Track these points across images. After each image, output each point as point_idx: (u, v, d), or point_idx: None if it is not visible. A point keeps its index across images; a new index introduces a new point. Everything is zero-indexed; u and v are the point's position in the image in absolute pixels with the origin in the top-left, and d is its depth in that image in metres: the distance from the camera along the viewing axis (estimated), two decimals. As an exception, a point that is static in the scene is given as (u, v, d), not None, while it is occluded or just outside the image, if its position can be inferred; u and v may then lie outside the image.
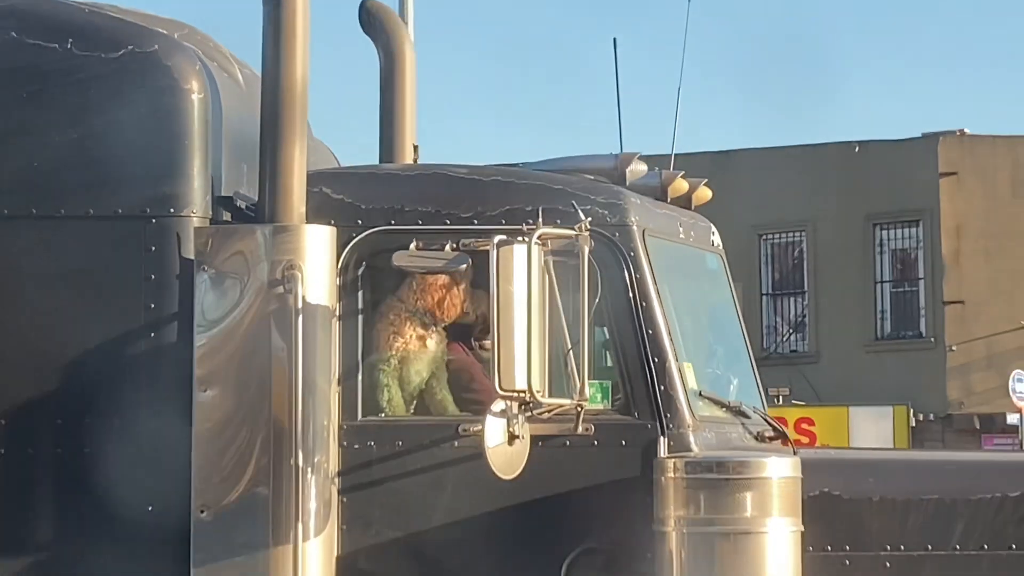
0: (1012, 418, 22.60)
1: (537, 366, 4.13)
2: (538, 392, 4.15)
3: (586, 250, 4.30)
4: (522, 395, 4.17)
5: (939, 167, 26.34)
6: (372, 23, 5.70)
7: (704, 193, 5.41)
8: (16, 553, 4.57)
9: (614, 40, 6.07)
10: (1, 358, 4.61)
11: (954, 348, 26.34)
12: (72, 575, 4.55)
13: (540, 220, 4.36)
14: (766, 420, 5.42)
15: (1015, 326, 23.09)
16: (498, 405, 4.20)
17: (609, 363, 4.81)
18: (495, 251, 4.15)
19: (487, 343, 4.78)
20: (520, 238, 4.25)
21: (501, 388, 4.16)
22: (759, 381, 5.56)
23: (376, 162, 5.82)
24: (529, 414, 4.24)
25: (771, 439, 5.21)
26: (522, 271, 4.15)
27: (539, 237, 4.18)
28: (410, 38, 6.23)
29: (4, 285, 4.64)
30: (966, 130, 27.23)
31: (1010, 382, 22.74)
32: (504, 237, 4.27)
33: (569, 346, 4.46)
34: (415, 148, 6.13)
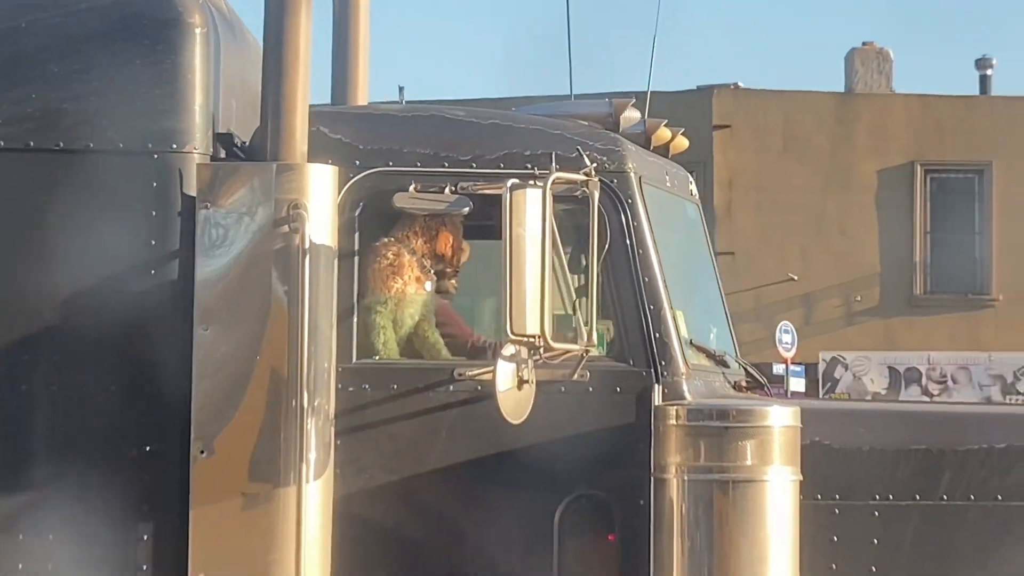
0: (778, 368, 22.96)
1: (548, 311, 4.10)
2: (550, 337, 4.12)
3: (596, 195, 4.29)
4: (533, 339, 4.12)
5: (713, 119, 26.23)
6: None
7: (681, 142, 5.40)
8: (12, 490, 4.46)
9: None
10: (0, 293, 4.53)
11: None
12: (69, 512, 4.40)
13: (553, 164, 4.31)
14: (746, 370, 5.51)
15: (783, 278, 23.49)
16: (509, 349, 4.16)
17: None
18: (508, 194, 4.08)
19: (450, 287, 4.87)
20: (532, 182, 4.18)
21: (513, 332, 4.10)
22: (733, 330, 5.59)
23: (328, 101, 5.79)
24: (538, 358, 4.17)
25: (748, 388, 5.30)
26: (535, 215, 4.10)
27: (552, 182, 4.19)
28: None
29: (2, 219, 4.52)
30: (740, 83, 27.40)
31: (777, 333, 23.44)
32: (517, 181, 4.18)
33: (574, 292, 4.54)
34: (400, 89, 5.91)
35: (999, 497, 4.90)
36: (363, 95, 6.13)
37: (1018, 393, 25.29)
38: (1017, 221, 25.37)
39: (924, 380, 25.62)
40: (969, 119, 26.87)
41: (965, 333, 26.17)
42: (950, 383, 25.49)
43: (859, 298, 26.12)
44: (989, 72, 29.26)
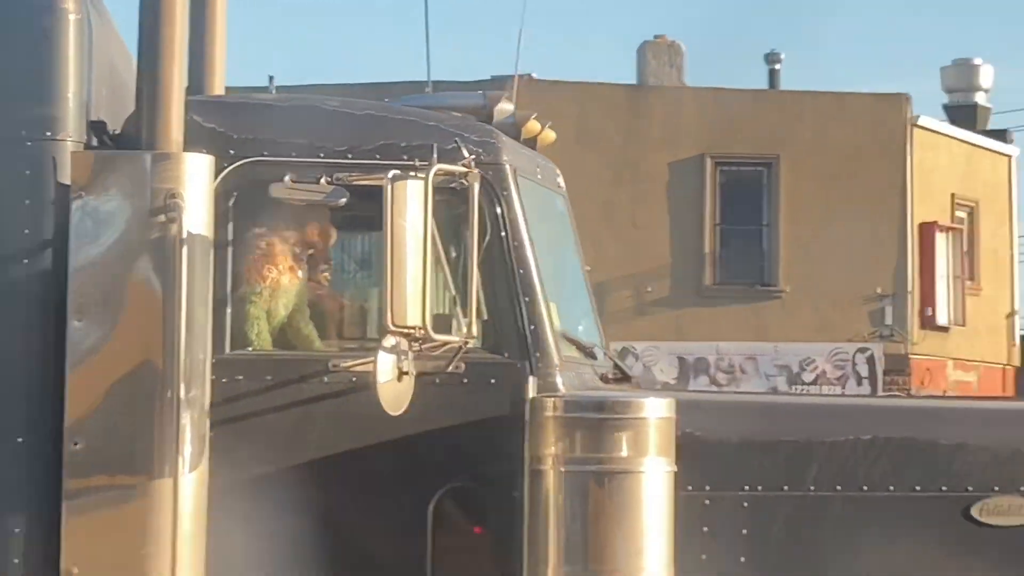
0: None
1: (429, 302, 4.13)
2: (431, 328, 4.16)
3: (476, 187, 4.30)
4: (414, 331, 4.14)
5: (507, 110, 26.51)
6: None
7: (549, 135, 5.47)
8: None
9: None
10: None
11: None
12: None
13: (435, 156, 4.31)
14: (615, 362, 5.63)
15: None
16: (389, 341, 4.15)
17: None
18: (389, 186, 4.09)
19: (323, 279, 4.87)
20: (414, 173, 4.19)
21: (394, 324, 4.11)
22: (599, 323, 5.66)
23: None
24: (418, 350, 4.20)
25: (615, 380, 5.36)
26: (416, 207, 4.12)
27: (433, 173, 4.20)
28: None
29: None
30: (534, 75, 26.86)
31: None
32: (398, 172, 4.19)
33: (452, 284, 4.53)
34: (270, 78, 6.01)
35: (865, 487, 5.01)
36: (220, 83, 5.95)
37: (803, 383, 25.81)
38: (803, 213, 26.10)
39: (713, 370, 26.19)
40: (758, 113, 27.05)
41: (753, 324, 26.59)
42: (738, 373, 25.97)
43: (650, 289, 26.42)
44: (778, 67, 29.81)
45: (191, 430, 4.25)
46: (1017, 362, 29.24)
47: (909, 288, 26.11)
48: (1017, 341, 29.32)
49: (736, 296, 27.38)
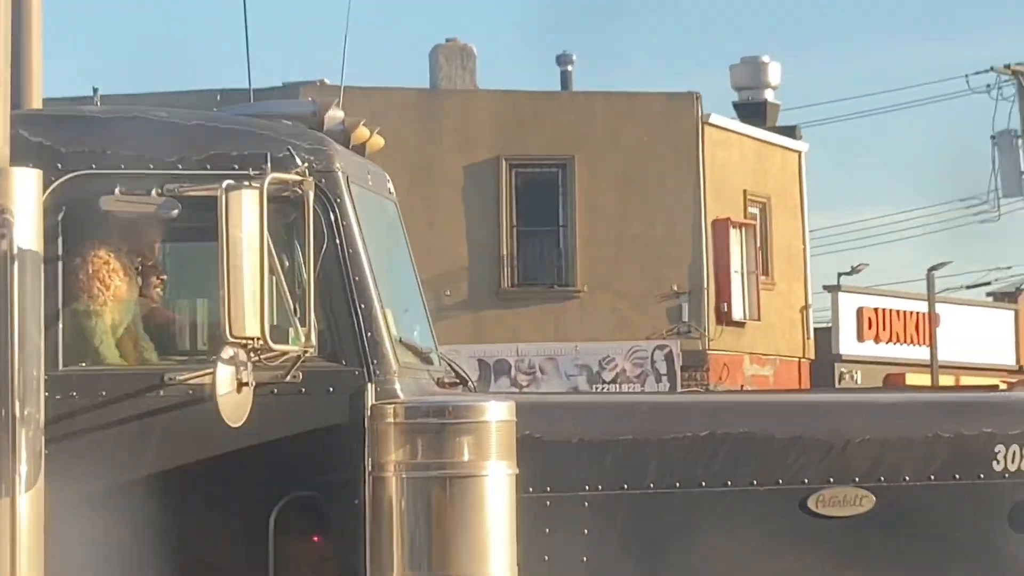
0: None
1: (267, 313, 4.16)
2: (269, 338, 4.18)
3: (310, 195, 4.37)
4: (252, 342, 4.17)
5: (306, 116, 26.56)
6: None
7: (378, 141, 5.52)
8: None
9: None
10: None
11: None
12: None
13: (268, 165, 4.36)
14: (451, 366, 5.70)
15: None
16: (227, 352, 4.14)
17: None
18: (224, 196, 4.11)
19: (155, 295, 4.81)
20: (248, 183, 4.23)
21: (232, 335, 4.13)
22: (432, 328, 5.74)
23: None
24: (256, 360, 4.19)
25: (450, 384, 5.43)
26: (251, 216, 4.15)
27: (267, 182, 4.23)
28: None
29: None
30: (326, 80, 26.34)
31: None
32: (232, 182, 4.20)
33: (288, 292, 4.47)
34: (95, 90, 5.81)
35: (703, 483, 5.09)
36: (38, 95, 5.70)
37: (604, 382, 26.54)
38: (598, 213, 26.82)
39: (513, 372, 26.75)
40: (551, 115, 27.55)
41: (552, 324, 27.00)
42: (539, 374, 26.57)
43: (448, 292, 26.54)
44: (570, 68, 30.19)
45: (27, 448, 4.15)
46: (812, 355, 30.04)
47: (704, 284, 26.70)
48: (811, 334, 30.08)
49: (534, 297, 27.88)
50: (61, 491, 4.23)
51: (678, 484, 4.97)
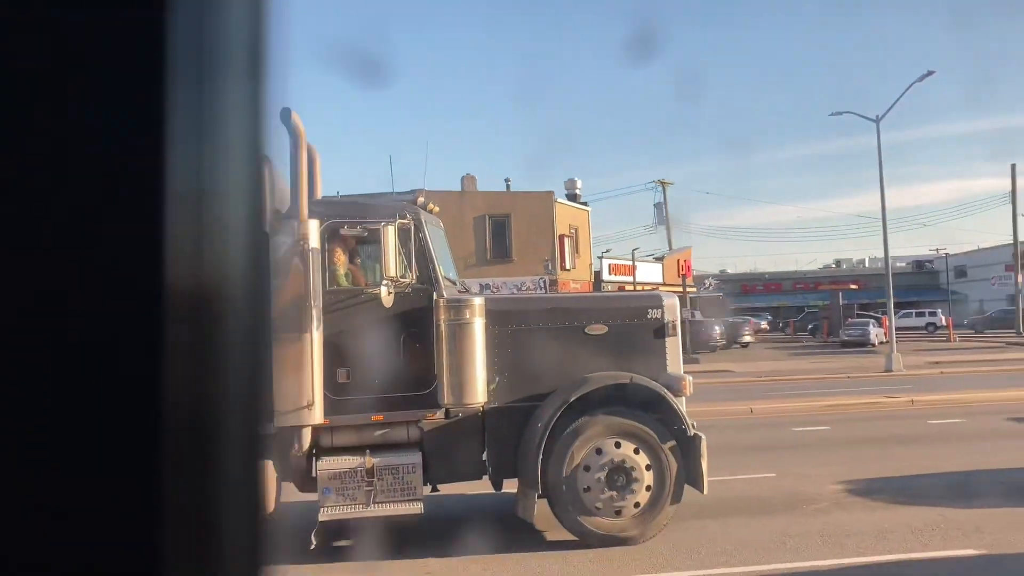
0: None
1: (398, 267, 8.68)
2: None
3: (412, 227, 8.40)
4: (396, 279, 8.19)
5: None
6: None
7: (436, 209, 9.45)
8: None
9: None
10: None
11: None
12: None
13: (397, 216, 8.39)
14: (464, 286, 9.71)
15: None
16: (386, 282, 8.11)
17: None
18: (383, 228, 8.08)
19: (357, 263, 8.84)
20: (391, 222, 8.27)
21: (387, 276, 8.17)
22: (457, 273, 9.46)
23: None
24: (396, 282, 8.23)
25: (463, 291, 9.14)
26: (391, 235, 8.22)
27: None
28: None
29: None
30: (424, 187, 31.60)
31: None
32: (384, 222, 8.13)
33: (407, 262, 8.56)
34: (337, 192, 9.44)
35: (542, 324, 9.06)
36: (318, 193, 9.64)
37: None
38: (523, 241, 43.58)
39: (482, 290, 31.62)
40: (514, 197, 46.27)
41: (502, 274, 41.86)
42: (493, 290, 33.21)
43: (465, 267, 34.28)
44: (509, 181, 47.89)
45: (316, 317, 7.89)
46: (592, 281, 50.92)
47: (555, 256, 46.01)
48: (592, 276, 51.81)
49: (496, 267, 43.27)
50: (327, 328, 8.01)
51: (542, 324, 9.05)
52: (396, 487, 8.09)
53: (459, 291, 9.06)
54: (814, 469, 12.82)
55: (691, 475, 9.00)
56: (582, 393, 8.55)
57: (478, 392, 8.20)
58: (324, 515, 8.14)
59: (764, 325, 72.57)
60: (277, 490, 8.20)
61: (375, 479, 8.06)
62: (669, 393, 8.85)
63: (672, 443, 8.89)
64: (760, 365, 37.33)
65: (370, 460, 8.06)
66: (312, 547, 8.16)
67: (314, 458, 8.47)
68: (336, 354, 8.23)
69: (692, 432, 8.94)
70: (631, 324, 9.15)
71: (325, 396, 8.08)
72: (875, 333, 50.72)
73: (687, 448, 8.93)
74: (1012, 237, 61.69)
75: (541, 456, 8.40)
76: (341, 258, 8.65)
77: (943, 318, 66.85)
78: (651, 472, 8.82)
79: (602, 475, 8.69)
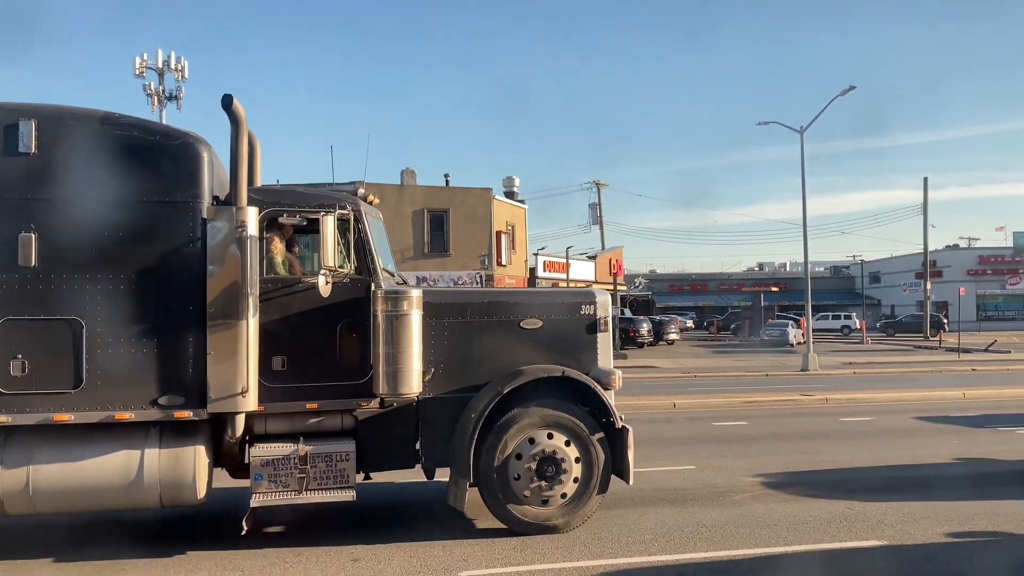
0: None
1: (336, 258, 8.35)
2: None
3: (353, 217, 8.39)
4: (333, 269, 8.01)
5: None
6: None
7: (376, 200, 9.30)
8: None
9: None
10: None
11: None
12: None
13: (337, 206, 8.33)
14: (401, 278, 9.40)
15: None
16: (325, 272, 7.95)
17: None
18: (323, 217, 7.96)
19: (295, 251, 8.72)
20: (330, 212, 8.11)
21: (326, 266, 7.99)
22: (395, 265, 9.17)
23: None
24: (334, 273, 8.03)
25: (401, 283, 8.94)
26: (331, 225, 8.04)
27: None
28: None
29: None
30: (363, 180, 29.73)
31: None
32: (324, 212, 8.03)
33: (345, 252, 8.27)
34: (277, 180, 9.39)
35: (486, 317, 8.94)
36: (258, 181, 9.65)
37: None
38: (460, 233, 44.81)
39: (419, 283, 32.22)
40: (452, 192, 46.52)
41: (437, 267, 42.33)
42: (429, 283, 33.06)
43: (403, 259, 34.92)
44: (448, 176, 47.70)
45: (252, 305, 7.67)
46: (528, 277, 51.66)
47: (492, 252, 45.97)
48: (528, 272, 52.67)
49: (435, 261, 44.28)
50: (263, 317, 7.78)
51: (478, 318, 8.94)
52: (329, 474, 7.96)
53: (397, 283, 8.83)
54: (732, 462, 13.09)
55: (618, 466, 9.06)
56: (516, 385, 8.49)
57: (413, 383, 8.06)
58: (256, 501, 8.03)
59: (689, 324, 73.52)
60: (209, 476, 7.90)
61: (308, 466, 7.94)
62: (599, 387, 8.82)
63: (601, 435, 8.94)
64: (684, 362, 37.75)
65: (304, 447, 7.93)
66: (243, 532, 8.01)
67: (247, 445, 8.34)
68: (272, 342, 8.09)
69: (620, 425, 8.97)
70: (565, 319, 9.16)
71: (260, 383, 7.97)
72: (793, 334, 51.63)
73: (615, 440, 8.99)
74: (923, 246, 63.19)
75: (474, 445, 8.32)
76: (279, 246, 8.47)
77: (857, 321, 68.35)
78: (580, 464, 8.87)
79: (533, 464, 8.71)
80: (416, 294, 8.31)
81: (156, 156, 7.76)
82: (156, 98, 36.66)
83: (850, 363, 36.78)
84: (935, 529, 8.99)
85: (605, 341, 9.19)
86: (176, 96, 38.07)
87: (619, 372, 9.09)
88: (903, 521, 9.35)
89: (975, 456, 13.70)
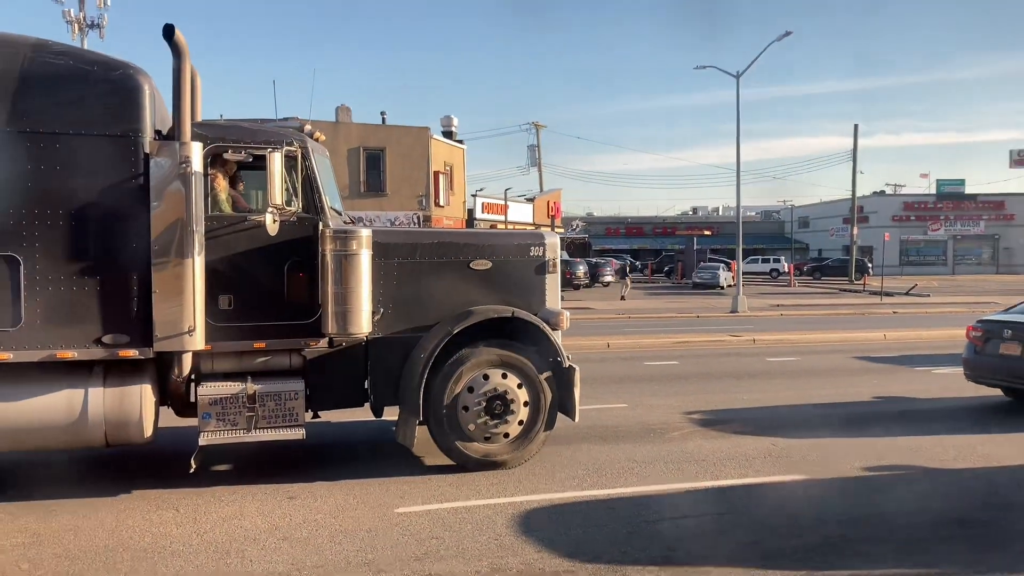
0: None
1: (283, 195, 7.81)
2: None
3: (299, 154, 8.05)
4: (281, 207, 7.65)
5: None
6: None
7: (321, 136, 8.93)
8: None
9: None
10: None
11: None
12: None
13: (284, 143, 7.94)
14: (349, 217, 9.06)
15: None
16: (271, 210, 7.56)
17: None
18: (270, 154, 7.57)
19: (239, 188, 8.33)
20: (277, 149, 7.70)
21: (273, 205, 7.60)
22: (342, 203, 8.86)
23: None
24: (281, 211, 7.66)
25: (349, 222, 8.66)
26: (278, 162, 7.66)
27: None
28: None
29: None
30: (303, 116, 28.80)
31: None
32: (271, 148, 7.69)
33: (293, 189, 7.89)
34: (220, 115, 8.79)
35: (442, 257, 8.83)
36: (199, 116, 8.71)
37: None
38: (396, 173, 44.17)
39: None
40: (388, 131, 46.06)
41: (378, 207, 42.04)
42: (376, 223, 33.72)
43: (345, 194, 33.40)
44: (384, 114, 46.96)
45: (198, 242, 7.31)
46: (466, 218, 52.59)
47: (431, 193, 45.81)
48: (466, 213, 53.38)
49: (372, 201, 43.52)
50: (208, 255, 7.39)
51: (428, 258, 8.71)
52: (278, 413, 7.76)
53: (345, 222, 8.59)
54: (663, 400, 13.19)
55: (564, 404, 9.04)
56: (466, 325, 8.36)
57: (363, 323, 7.86)
58: (204, 439, 7.72)
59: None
60: (156, 414, 7.70)
61: (257, 405, 7.72)
62: (547, 327, 8.73)
63: (548, 374, 8.89)
64: (618, 304, 38.01)
65: (252, 386, 7.72)
66: (192, 470, 7.86)
67: (193, 383, 8.11)
68: (218, 280, 7.82)
69: (567, 364, 8.93)
70: (514, 260, 9.02)
71: (207, 322, 7.72)
72: (724, 277, 52.22)
73: (561, 379, 8.94)
74: (851, 192, 64.20)
75: (424, 384, 8.19)
76: (223, 183, 8.01)
77: (786, 265, 69.42)
78: (528, 408, 8.85)
79: (483, 400, 8.66)
80: (366, 233, 8.04)
81: (94, 87, 7.30)
82: (77, 25, 34.10)
83: (778, 305, 37.31)
84: (853, 464, 9.19)
85: (554, 282, 9.09)
86: (99, 24, 34.70)
87: (567, 313, 9.04)
88: (824, 457, 9.54)
89: (894, 395, 14.01)
